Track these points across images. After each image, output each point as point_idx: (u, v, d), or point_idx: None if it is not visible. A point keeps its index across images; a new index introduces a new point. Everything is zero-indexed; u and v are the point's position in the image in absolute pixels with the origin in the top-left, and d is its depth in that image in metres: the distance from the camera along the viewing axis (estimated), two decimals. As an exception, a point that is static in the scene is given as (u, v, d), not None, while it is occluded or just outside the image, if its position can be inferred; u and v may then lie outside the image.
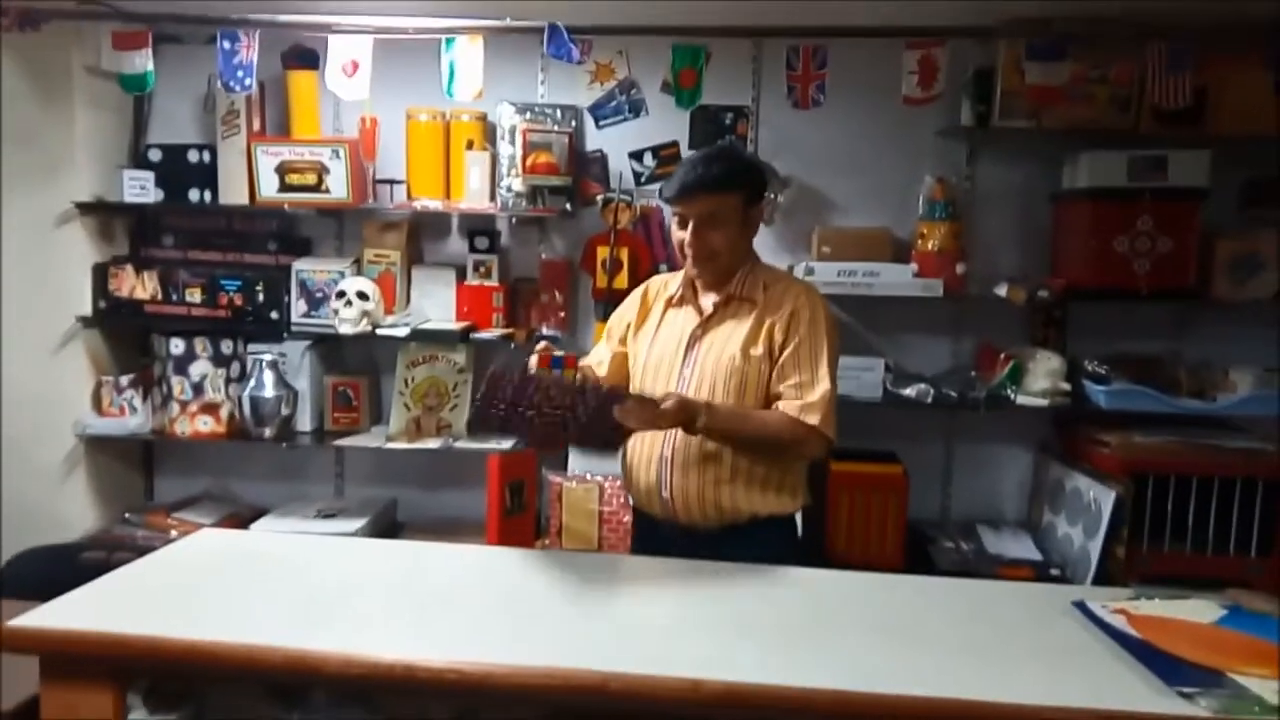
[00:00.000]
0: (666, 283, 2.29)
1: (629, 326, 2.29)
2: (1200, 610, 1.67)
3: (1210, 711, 1.32)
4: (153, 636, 1.48)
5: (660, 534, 2.15)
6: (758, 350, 2.07)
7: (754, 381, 2.07)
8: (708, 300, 2.16)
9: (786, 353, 2.06)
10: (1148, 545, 2.69)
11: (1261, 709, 1.33)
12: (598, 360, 2.32)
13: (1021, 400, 2.87)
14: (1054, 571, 2.73)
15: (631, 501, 2.29)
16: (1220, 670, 1.43)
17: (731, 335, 2.10)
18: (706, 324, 2.14)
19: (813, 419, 2.01)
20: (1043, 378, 2.88)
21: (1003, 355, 2.94)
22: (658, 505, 2.13)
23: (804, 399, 2.03)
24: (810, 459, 2.15)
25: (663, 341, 2.18)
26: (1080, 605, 1.70)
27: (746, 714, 1.41)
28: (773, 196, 2.98)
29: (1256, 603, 1.68)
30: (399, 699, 1.62)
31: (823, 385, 2.04)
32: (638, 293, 2.33)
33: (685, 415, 1.94)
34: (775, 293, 2.13)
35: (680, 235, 2.09)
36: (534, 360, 2.07)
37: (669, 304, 2.23)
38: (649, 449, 2.12)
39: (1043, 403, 2.85)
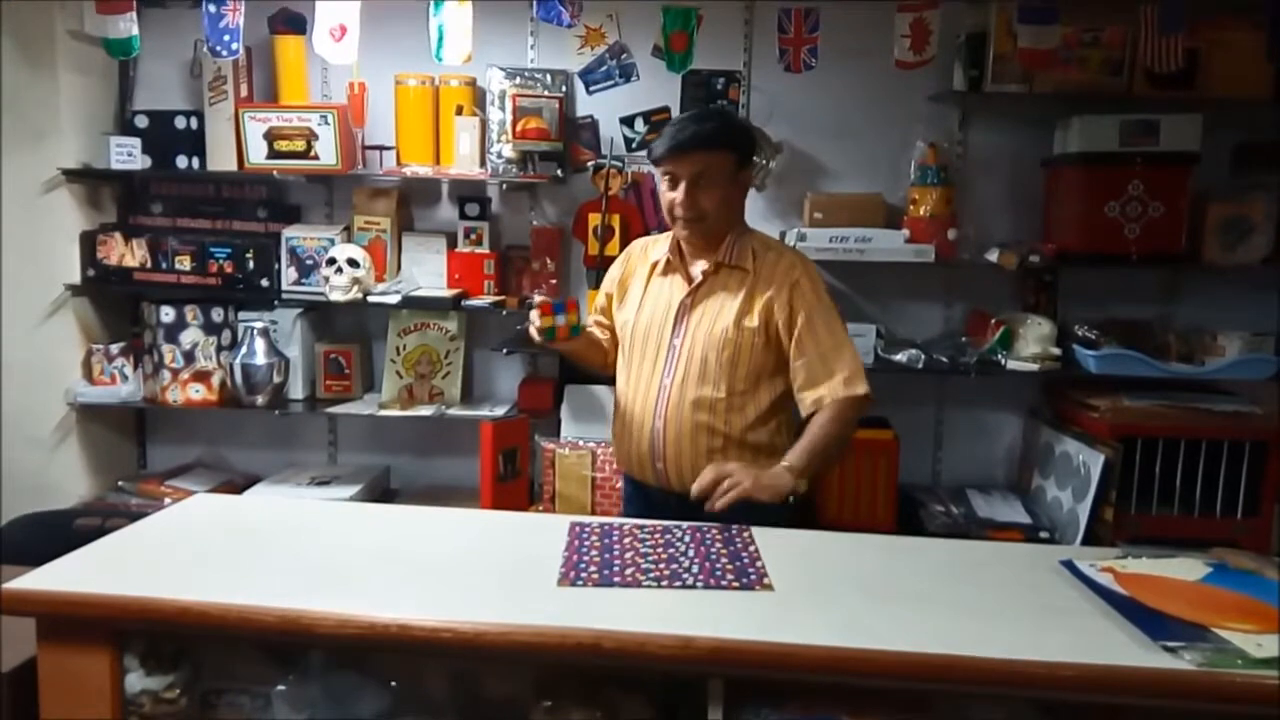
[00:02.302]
0: (647, 246, 2.26)
1: (609, 299, 2.30)
2: (1186, 568, 1.69)
3: (1194, 665, 1.34)
4: (148, 598, 1.49)
5: (653, 500, 2.16)
6: (752, 322, 2.07)
7: (746, 353, 2.07)
8: (696, 268, 2.14)
9: (800, 329, 2.05)
10: (1136, 507, 2.72)
11: (1245, 662, 1.35)
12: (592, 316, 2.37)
13: (1012, 365, 2.88)
14: (1043, 534, 2.76)
15: (628, 469, 2.29)
16: (1205, 625, 1.44)
17: (724, 306, 2.09)
18: (696, 293, 2.12)
19: (859, 389, 2.03)
20: (1033, 343, 2.89)
21: (993, 320, 2.95)
22: (650, 474, 2.14)
23: (840, 373, 2.04)
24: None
25: (649, 310, 2.17)
26: (1068, 564, 1.72)
27: (737, 671, 1.43)
28: (764, 162, 2.97)
29: (1241, 560, 1.70)
30: (395, 661, 1.64)
31: (848, 351, 2.06)
32: (620, 261, 2.31)
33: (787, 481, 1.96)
34: (766, 262, 2.11)
35: (670, 196, 2.06)
36: (535, 315, 2.08)
37: (653, 270, 2.20)
38: (640, 420, 2.13)
39: (1033, 367, 2.87)
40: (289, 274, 3.15)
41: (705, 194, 2.04)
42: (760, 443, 2.11)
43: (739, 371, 2.07)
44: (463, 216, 3.17)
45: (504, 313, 3.07)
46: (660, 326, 2.14)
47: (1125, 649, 1.40)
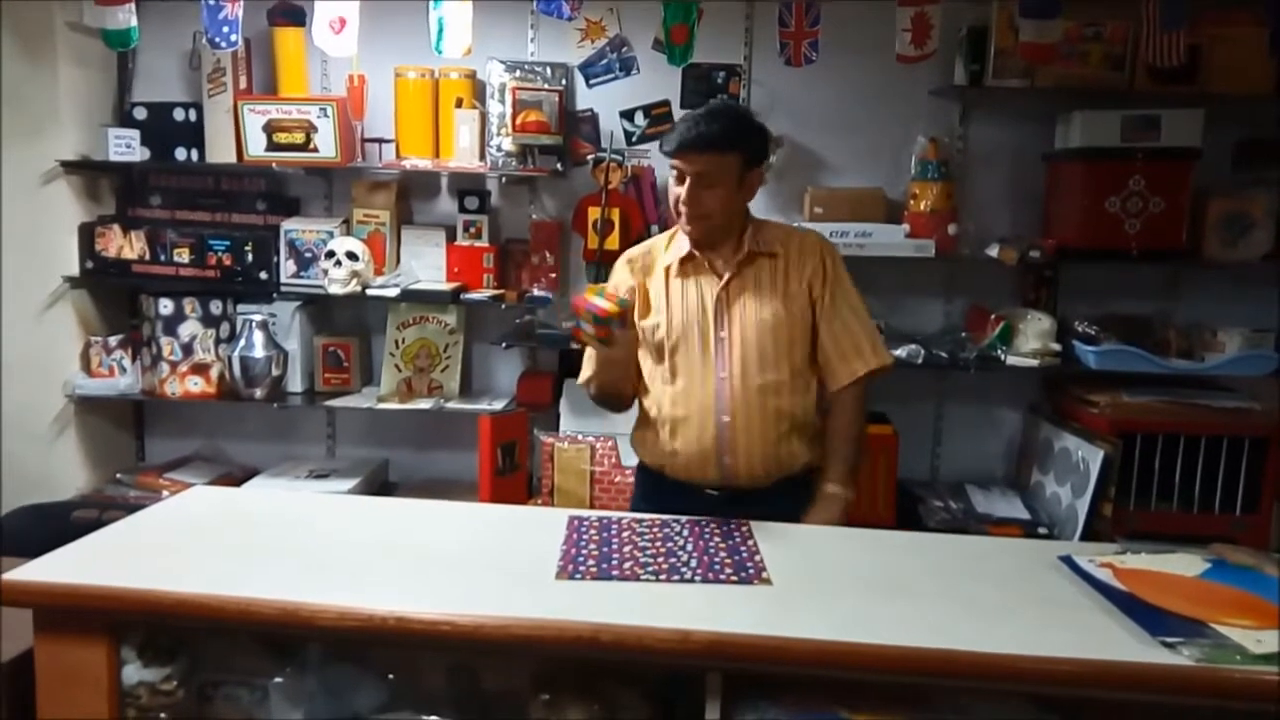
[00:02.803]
0: (651, 252, 2.20)
1: (633, 309, 2.15)
2: (1185, 564, 1.69)
3: (1193, 660, 1.34)
4: (146, 590, 1.49)
5: (692, 499, 2.09)
6: (797, 302, 2.08)
7: (800, 332, 2.09)
8: (721, 262, 2.10)
9: (827, 303, 2.10)
10: (1135, 503, 2.72)
11: (1243, 658, 1.35)
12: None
13: (1012, 361, 2.88)
14: (1042, 530, 2.76)
15: (663, 472, 2.18)
16: (1203, 621, 1.44)
17: (765, 291, 2.08)
18: (730, 285, 2.09)
19: (887, 358, 2.13)
20: (1033, 338, 2.89)
21: (993, 316, 2.94)
22: (715, 471, 2.09)
23: (865, 347, 2.10)
24: None
25: (680, 311, 2.11)
26: (1067, 560, 1.72)
27: (735, 664, 1.43)
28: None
29: (1240, 556, 1.70)
30: (393, 654, 1.64)
31: (868, 324, 2.13)
32: (623, 273, 2.21)
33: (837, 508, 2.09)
34: (794, 244, 2.13)
35: (677, 191, 2.05)
36: (595, 301, 1.96)
37: (668, 274, 2.14)
38: (700, 418, 2.07)
39: (1033, 363, 2.87)
40: (288, 267, 3.15)
41: (708, 194, 2.02)
42: (808, 423, 2.14)
43: (796, 351, 2.09)
44: (462, 210, 3.16)
45: (503, 306, 3.06)
46: (699, 324, 2.09)
47: (1124, 644, 1.40)
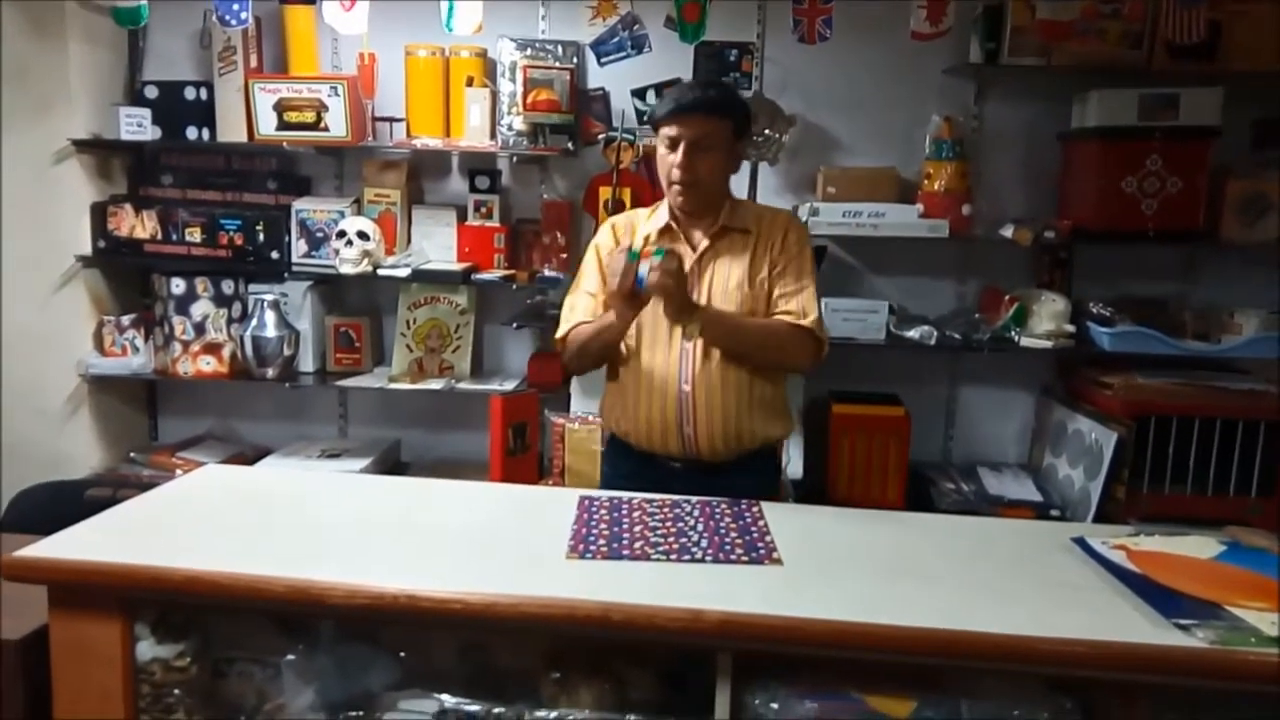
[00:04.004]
0: (632, 223, 2.23)
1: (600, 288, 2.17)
2: (1199, 546, 1.68)
3: (1207, 643, 1.33)
4: (159, 567, 1.50)
5: (662, 470, 2.14)
6: (762, 275, 2.10)
7: (763, 306, 2.10)
8: (696, 234, 2.14)
9: (779, 269, 2.10)
10: (1148, 486, 2.70)
11: (1258, 640, 1.34)
12: (586, 314, 2.19)
13: (1025, 342, 2.86)
14: (1054, 512, 2.75)
15: (628, 441, 2.20)
16: (1217, 603, 1.44)
17: (734, 265, 2.11)
18: (703, 257, 2.12)
19: (808, 321, 2.06)
20: (1047, 320, 2.86)
21: (1007, 297, 2.92)
22: (676, 441, 2.12)
23: (796, 306, 2.07)
24: (805, 366, 2.18)
25: (648, 235, 2.16)
26: (1080, 541, 1.71)
27: (746, 644, 1.43)
28: (777, 135, 2.94)
29: (1255, 539, 1.69)
30: (404, 632, 1.65)
31: (811, 293, 2.09)
32: (600, 246, 2.21)
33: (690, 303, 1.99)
34: (766, 221, 2.15)
35: (670, 158, 2.06)
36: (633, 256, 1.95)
37: (646, 244, 2.12)
38: (662, 388, 2.10)
39: (1046, 345, 2.85)
40: (299, 246, 3.14)
41: (703, 159, 2.04)
42: (774, 397, 2.16)
43: None
44: (473, 189, 3.15)
45: (514, 286, 3.05)
46: None
47: (1137, 626, 1.39)
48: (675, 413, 2.10)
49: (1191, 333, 2.88)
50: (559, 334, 2.22)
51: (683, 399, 2.09)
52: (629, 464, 2.21)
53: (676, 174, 2.05)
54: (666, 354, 2.10)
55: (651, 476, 2.13)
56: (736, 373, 2.08)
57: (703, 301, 2.08)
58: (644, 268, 1.90)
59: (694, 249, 2.13)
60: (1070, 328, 2.86)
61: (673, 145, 2.05)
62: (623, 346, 2.16)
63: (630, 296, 1.95)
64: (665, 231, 2.15)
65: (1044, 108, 3.00)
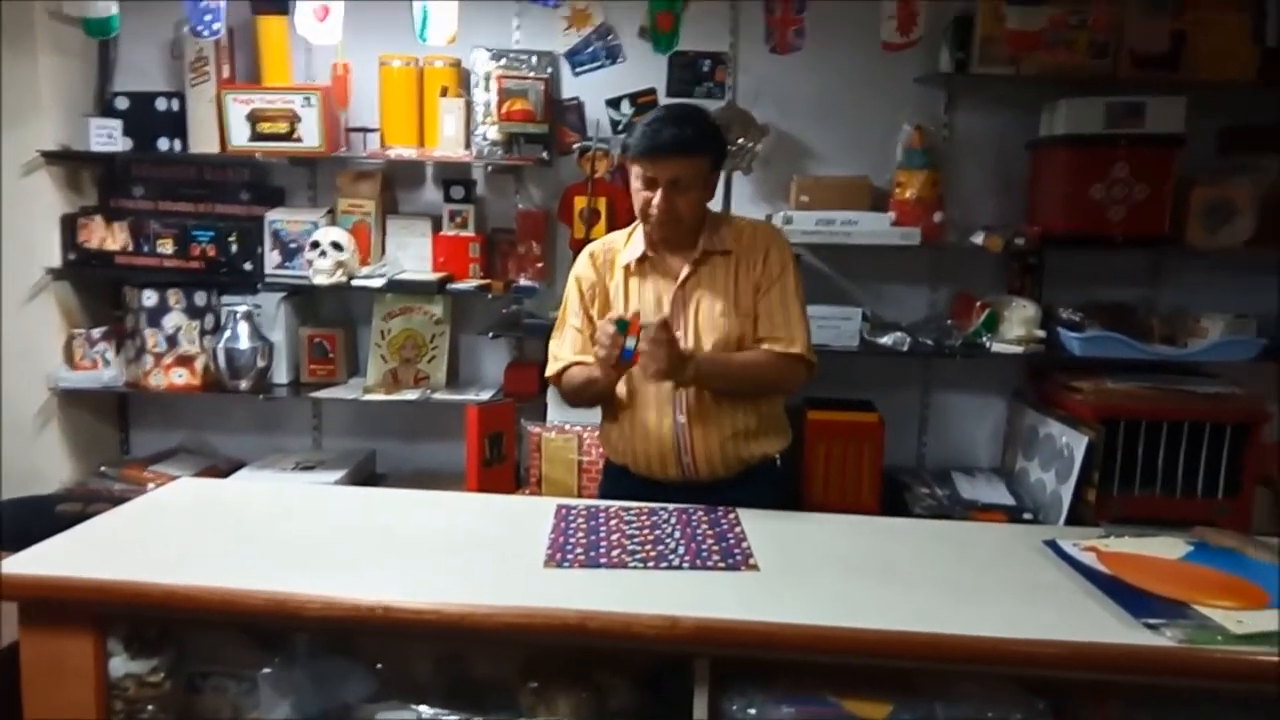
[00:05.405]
0: (610, 251, 2.20)
1: (589, 323, 2.16)
2: (1167, 547, 1.70)
3: (1175, 641, 1.36)
4: (132, 582, 1.48)
5: (661, 493, 2.10)
6: (746, 299, 2.09)
7: (750, 329, 2.09)
8: (679, 262, 2.11)
9: (764, 289, 2.09)
10: (1118, 489, 2.74)
11: (1225, 639, 1.36)
12: (575, 357, 2.17)
13: (997, 348, 2.89)
14: (1026, 516, 2.77)
15: (627, 467, 2.19)
16: (1185, 602, 1.46)
17: (718, 291, 2.09)
18: (686, 285, 2.10)
19: (797, 348, 2.06)
20: (1018, 325, 2.90)
21: (979, 303, 2.95)
22: (675, 469, 2.11)
23: (784, 333, 2.06)
24: (796, 390, 2.19)
25: (639, 311, 2.09)
26: (1051, 544, 1.73)
27: (723, 650, 1.43)
28: (751, 145, 2.96)
29: (1221, 539, 1.72)
30: (381, 644, 1.64)
31: (798, 316, 2.09)
32: (580, 278, 2.20)
33: (681, 364, 1.93)
34: (746, 238, 2.13)
35: (645, 195, 2.02)
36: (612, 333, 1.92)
37: (628, 273, 2.15)
38: (658, 418, 2.09)
39: (1017, 350, 2.88)
40: (272, 257, 3.12)
41: (683, 198, 2.01)
42: (770, 414, 2.15)
43: (746, 349, 2.09)
44: (448, 199, 3.15)
45: (489, 296, 3.05)
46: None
47: (1108, 626, 1.41)
48: (673, 443, 2.09)
49: (1159, 337, 2.93)
50: (549, 372, 2.22)
51: (679, 430, 2.09)
52: (629, 485, 2.18)
53: (655, 214, 2.02)
54: (659, 387, 2.08)
55: (650, 496, 2.09)
56: (730, 400, 2.07)
57: (689, 331, 2.07)
58: (631, 341, 1.89)
59: (675, 278, 2.11)
60: (1040, 333, 2.89)
61: (649, 184, 2.01)
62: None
63: (617, 364, 1.93)
64: (643, 261, 2.13)
65: (1013, 116, 3.04)
